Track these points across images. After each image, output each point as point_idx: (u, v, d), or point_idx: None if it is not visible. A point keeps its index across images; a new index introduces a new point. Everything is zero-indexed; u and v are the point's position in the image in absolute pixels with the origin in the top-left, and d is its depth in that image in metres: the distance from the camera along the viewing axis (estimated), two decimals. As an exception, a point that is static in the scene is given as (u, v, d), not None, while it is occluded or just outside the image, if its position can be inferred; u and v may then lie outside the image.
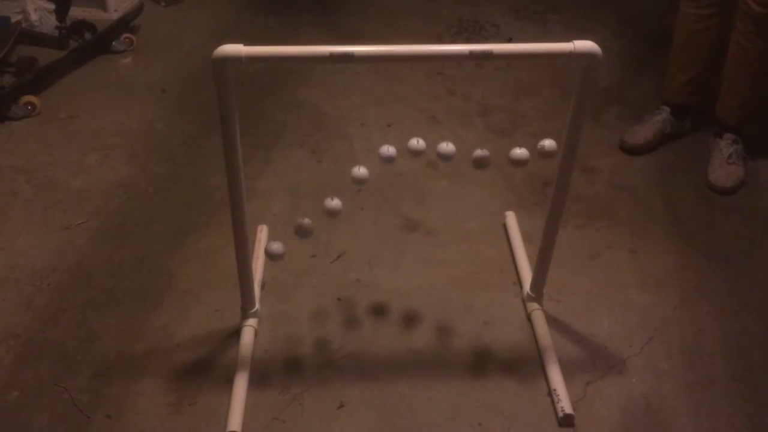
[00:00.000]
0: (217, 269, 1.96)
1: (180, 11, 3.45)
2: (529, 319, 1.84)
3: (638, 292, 1.95)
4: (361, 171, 1.53)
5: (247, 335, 1.74)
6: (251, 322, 1.77)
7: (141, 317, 1.83)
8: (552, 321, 1.83)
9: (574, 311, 1.88)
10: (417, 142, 1.49)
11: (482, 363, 1.74)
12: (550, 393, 1.65)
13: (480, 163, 1.56)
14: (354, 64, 1.36)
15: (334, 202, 1.56)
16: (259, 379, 1.67)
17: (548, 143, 1.52)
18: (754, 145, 2.44)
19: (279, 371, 1.70)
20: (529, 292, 1.85)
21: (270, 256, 1.64)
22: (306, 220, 1.59)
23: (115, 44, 3.02)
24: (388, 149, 1.50)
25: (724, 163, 2.35)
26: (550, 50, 1.40)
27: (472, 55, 1.35)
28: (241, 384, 1.63)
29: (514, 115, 2.70)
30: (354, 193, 2.24)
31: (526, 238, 2.05)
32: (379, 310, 1.87)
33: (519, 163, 1.55)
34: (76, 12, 3.09)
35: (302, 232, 1.60)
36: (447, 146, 1.52)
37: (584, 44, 1.38)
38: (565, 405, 1.60)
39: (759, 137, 2.50)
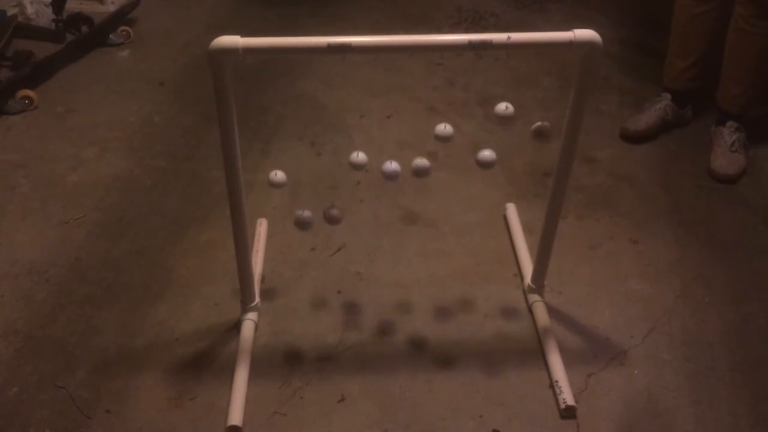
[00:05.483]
0: (217, 263, 1.96)
1: (177, 3, 3.43)
2: (530, 310, 1.83)
3: (639, 283, 1.94)
4: (359, 157, 1.53)
5: (247, 329, 1.74)
6: (251, 315, 1.76)
7: (140, 311, 1.82)
8: (553, 312, 1.83)
9: (575, 302, 1.87)
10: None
11: (483, 355, 1.73)
12: (552, 385, 1.64)
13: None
14: (352, 54, 1.35)
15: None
16: (260, 372, 1.67)
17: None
18: (756, 133, 2.43)
19: (279, 365, 1.70)
20: (530, 283, 1.84)
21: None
22: (306, 212, 1.59)
23: (112, 37, 3.00)
24: (391, 164, 1.51)
25: (727, 151, 2.34)
26: (550, 39, 1.39)
27: (471, 45, 1.34)
28: (241, 378, 1.62)
29: (514, 105, 2.67)
30: (354, 185, 2.23)
31: (527, 229, 2.05)
32: (379, 303, 1.86)
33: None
34: (72, 5, 3.08)
35: (302, 224, 1.59)
36: (445, 128, 1.51)
37: (584, 33, 1.37)
38: (566, 397, 1.59)
39: (760, 125, 2.48)
